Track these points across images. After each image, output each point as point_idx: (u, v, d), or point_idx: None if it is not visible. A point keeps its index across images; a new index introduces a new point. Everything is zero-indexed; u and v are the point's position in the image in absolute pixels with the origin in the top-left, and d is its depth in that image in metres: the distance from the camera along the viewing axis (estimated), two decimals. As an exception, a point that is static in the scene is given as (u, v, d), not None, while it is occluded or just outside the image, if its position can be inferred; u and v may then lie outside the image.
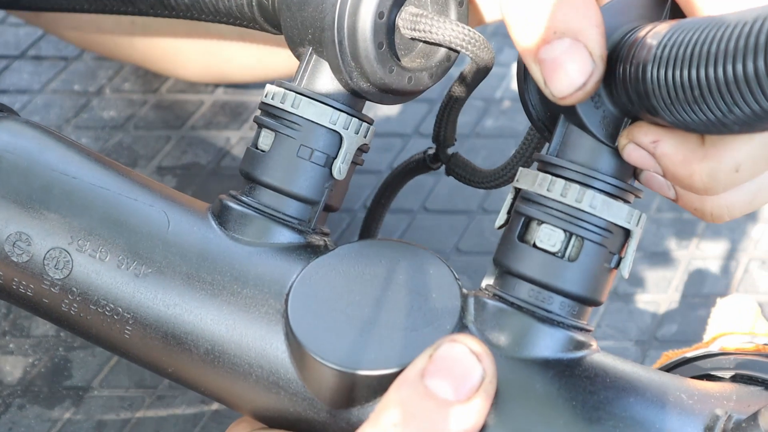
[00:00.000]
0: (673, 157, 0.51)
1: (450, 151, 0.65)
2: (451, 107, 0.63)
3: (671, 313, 0.85)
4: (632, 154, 0.52)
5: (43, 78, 0.91)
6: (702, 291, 0.86)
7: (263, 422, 0.56)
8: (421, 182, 0.88)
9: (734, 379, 0.55)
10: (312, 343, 0.52)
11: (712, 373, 0.56)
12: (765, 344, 0.61)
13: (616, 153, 0.53)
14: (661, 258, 0.87)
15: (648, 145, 0.51)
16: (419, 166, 0.67)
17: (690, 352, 0.59)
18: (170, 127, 0.89)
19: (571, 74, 0.50)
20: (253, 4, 0.60)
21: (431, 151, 0.66)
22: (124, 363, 0.76)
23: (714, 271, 0.87)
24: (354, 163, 0.58)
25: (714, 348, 0.61)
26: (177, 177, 0.86)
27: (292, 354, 0.53)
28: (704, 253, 0.88)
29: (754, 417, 0.48)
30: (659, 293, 0.86)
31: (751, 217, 0.91)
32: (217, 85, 0.92)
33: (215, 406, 0.75)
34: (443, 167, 0.67)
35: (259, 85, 0.92)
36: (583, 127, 0.52)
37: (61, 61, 0.93)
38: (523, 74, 0.54)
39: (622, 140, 0.52)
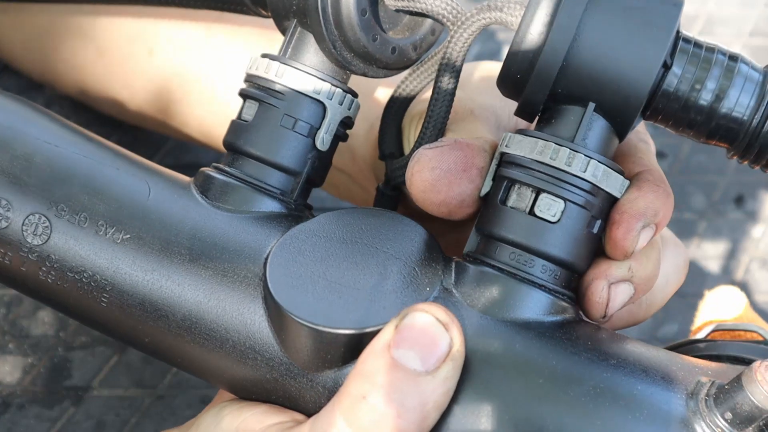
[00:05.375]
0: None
1: None
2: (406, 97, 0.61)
3: (671, 313, 0.85)
4: None
5: (42, 77, 0.91)
6: (702, 291, 0.86)
7: (238, 394, 0.56)
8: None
9: (720, 360, 0.55)
10: (289, 302, 0.52)
11: (700, 355, 0.56)
12: (751, 331, 0.61)
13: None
14: (661, 258, 0.87)
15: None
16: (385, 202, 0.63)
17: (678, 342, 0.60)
18: (170, 127, 0.89)
19: None
20: None
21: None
22: (123, 363, 0.76)
23: (714, 271, 0.87)
24: (337, 136, 0.59)
25: (701, 335, 0.62)
26: (177, 177, 0.86)
27: (269, 317, 0.54)
28: (705, 253, 0.88)
29: (737, 379, 0.48)
30: (660, 293, 0.85)
31: (752, 216, 0.91)
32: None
33: (215, 406, 0.75)
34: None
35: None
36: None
37: (60, 60, 0.93)
38: (532, 57, 0.53)
39: None
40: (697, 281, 0.87)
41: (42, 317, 0.77)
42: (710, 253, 0.88)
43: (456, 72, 0.57)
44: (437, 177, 0.55)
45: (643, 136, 0.60)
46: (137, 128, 0.86)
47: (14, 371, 0.75)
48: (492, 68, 0.64)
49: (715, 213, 0.90)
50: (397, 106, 0.62)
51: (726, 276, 0.87)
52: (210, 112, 0.75)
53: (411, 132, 0.62)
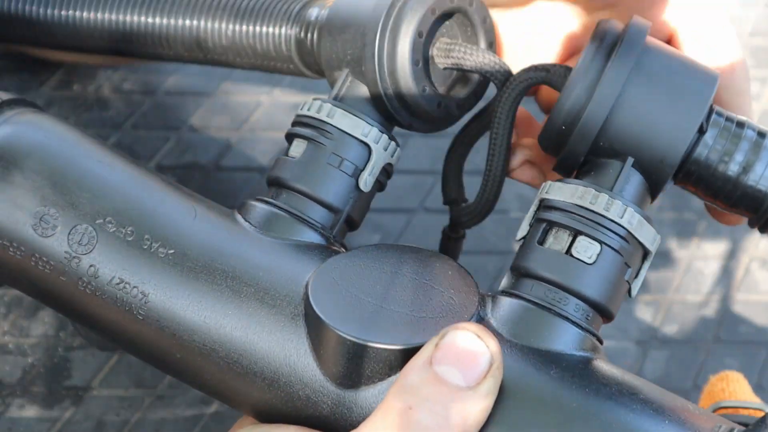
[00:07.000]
0: None
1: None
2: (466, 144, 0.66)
3: (671, 313, 0.85)
4: None
5: (42, 77, 0.91)
6: (702, 291, 0.86)
7: (266, 414, 0.56)
8: (420, 181, 0.88)
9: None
10: (332, 317, 0.53)
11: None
12: (759, 409, 0.63)
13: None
14: (661, 258, 0.87)
15: None
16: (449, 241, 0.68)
17: None
18: (170, 127, 0.89)
19: None
20: (292, 41, 0.64)
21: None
22: (124, 363, 0.76)
23: (715, 271, 0.87)
24: (379, 182, 0.61)
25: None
26: (177, 177, 0.86)
27: (308, 334, 0.54)
28: (705, 253, 0.88)
29: (762, 420, 0.50)
30: (659, 293, 0.86)
31: (752, 217, 0.91)
32: (216, 86, 0.92)
33: (215, 406, 0.75)
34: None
35: (259, 85, 0.92)
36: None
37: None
38: (567, 111, 0.57)
39: None
40: (697, 281, 0.87)
41: (42, 317, 0.77)
42: (710, 253, 0.88)
43: (508, 127, 0.61)
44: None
45: None
46: (137, 129, 0.86)
47: (14, 371, 0.75)
48: None
49: (715, 213, 0.90)
50: (459, 153, 0.66)
51: (726, 276, 0.87)
52: None
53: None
